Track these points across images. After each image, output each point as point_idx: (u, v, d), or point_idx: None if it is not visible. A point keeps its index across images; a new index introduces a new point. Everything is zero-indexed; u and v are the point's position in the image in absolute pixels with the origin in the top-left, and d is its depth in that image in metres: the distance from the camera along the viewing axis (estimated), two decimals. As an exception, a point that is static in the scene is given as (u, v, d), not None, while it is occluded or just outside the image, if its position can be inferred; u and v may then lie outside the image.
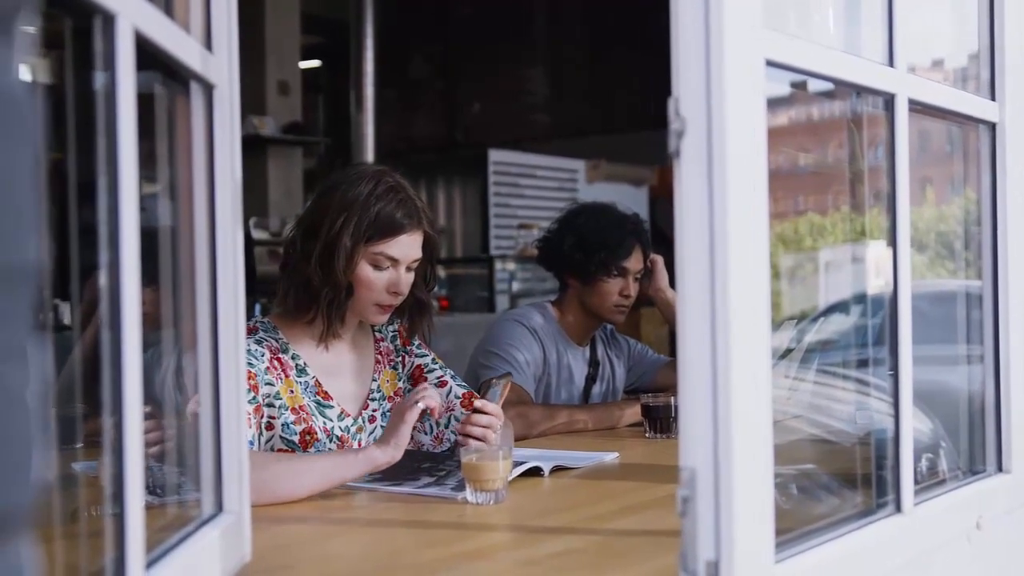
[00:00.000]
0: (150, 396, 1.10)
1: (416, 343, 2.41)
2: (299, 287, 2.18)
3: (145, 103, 1.08)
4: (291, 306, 2.20)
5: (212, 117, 1.35)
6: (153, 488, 1.32)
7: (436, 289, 7.44)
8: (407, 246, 2.18)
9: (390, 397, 2.33)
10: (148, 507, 1.07)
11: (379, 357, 2.35)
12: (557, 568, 1.48)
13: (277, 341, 2.20)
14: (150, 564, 1.09)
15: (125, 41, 1.00)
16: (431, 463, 2.11)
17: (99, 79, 1.02)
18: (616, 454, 2.35)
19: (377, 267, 2.16)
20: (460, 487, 1.90)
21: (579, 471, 2.19)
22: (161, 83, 1.29)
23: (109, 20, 0.99)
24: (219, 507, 1.37)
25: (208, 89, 1.34)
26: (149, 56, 1.11)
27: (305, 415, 2.16)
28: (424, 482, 1.99)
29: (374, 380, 2.32)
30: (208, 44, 1.34)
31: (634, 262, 2.99)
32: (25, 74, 0.59)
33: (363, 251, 2.15)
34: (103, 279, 1.02)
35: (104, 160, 1.00)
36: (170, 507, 1.43)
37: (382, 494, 1.96)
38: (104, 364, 1.02)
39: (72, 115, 1.08)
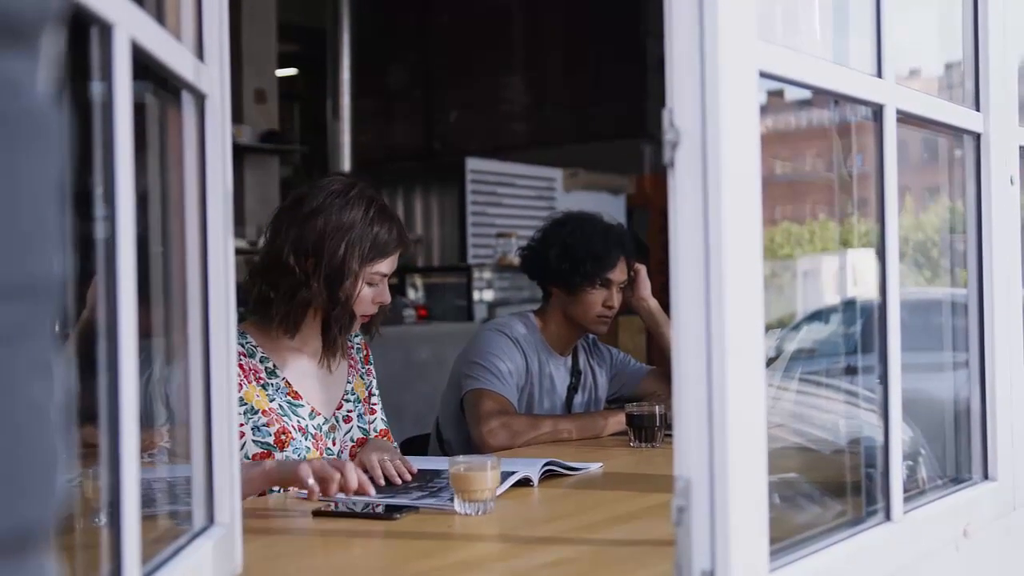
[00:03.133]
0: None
1: (369, 365, 2.50)
2: (300, 307, 2.23)
3: (136, 112, 1.07)
4: (291, 324, 2.24)
5: (204, 127, 1.34)
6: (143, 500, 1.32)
7: (414, 297, 7.38)
8: (395, 261, 2.31)
9: (364, 400, 2.42)
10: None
11: (352, 362, 2.43)
12: (551, 578, 1.48)
13: (243, 346, 2.23)
14: (145, 577, 1.08)
15: (122, 51, 1.00)
16: (420, 480, 2.11)
17: (95, 88, 1.01)
18: (600, 464, 2.35)
19: (370, 284, 2.27)
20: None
21: (566, 482, 2.19)
22: (152, 92, 1.28)
23: (106, 30, 0.98)
24: (211, 519, 1.36)
25: (200, 99, 1.33)
26: (141, 65, 1.10)
27: (276, 416, 2.21)
28: (417, 496, 1.98)
29: (348, 382, 2.39)
30: (200, 54, 1.34)
31: (619, 273, 2.99)
32: (51, 87, 0.59)
33: (364, 273, 2.24)
34: (99, 289, 1.01)
35: (101, 170, 0.99)
36: (160, 519, 1.42)
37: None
38: (98, 375, 1.01)
39: (67, 124, 1.07)
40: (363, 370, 2.46)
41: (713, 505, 1.15)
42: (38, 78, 0.57)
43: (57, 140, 0.58)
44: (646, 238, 7.55)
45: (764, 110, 1.55)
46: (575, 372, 3.12)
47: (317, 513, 1.86)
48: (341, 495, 1.96)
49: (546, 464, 2.17)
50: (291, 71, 9.80)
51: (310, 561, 1.62)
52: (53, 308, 0.58)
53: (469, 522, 1.80)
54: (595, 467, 2.33)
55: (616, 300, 3.00)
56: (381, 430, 2.43)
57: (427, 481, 2.10)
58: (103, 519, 1.08)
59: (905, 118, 1.59)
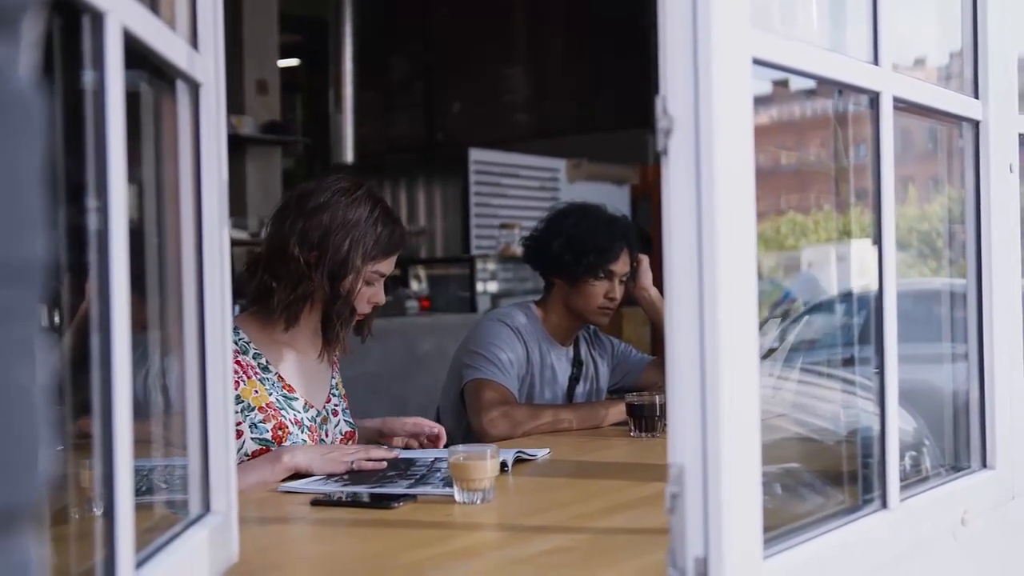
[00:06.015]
0: (134, 397, 1.10)
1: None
2: (301, 300, 2.25)
3: (129, 102, 1.07)
4: (291, 316, 2.25)
5: (198, 116, 1.34)
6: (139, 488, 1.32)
7: (417, 289, 7.37)
8: (393, 262, 2.35)
9: (343, 396, 2.47)
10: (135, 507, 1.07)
11: (334, 359, 2.46)
12: (546, 566, 1.48)
13: (236, 343, 2.25)
14: (139, 564, 1.09)
15: (114, 40, 1.00)
16: (397, 470, 2.11)
17: (87, 77, 1.01)
18: (548, 450, 2.37)
19: (368, 283, 2.30)
20: (448, 483, 1.89)
21: (566, 470, 2.20)
22: (147, 81, 1.28)
23: (98, 18, 0.98)
24: (206, 508, 1.36)
25: (194, 88, 1.34)
26: (135, 54, 1.10)
27: (273, 411, 2.24)
28: (408, 483, 1.98)
29: (333, 377, 2.44)
30: (194, 42, 1.34)
31: (621, 265, 2.99)
32: (31, 73, 0.59)
33: (365, 271, 2.27)
34: (90, 281, 1.01)
35: (93, 160, 0.99)
36: (157, 507, 1.42)
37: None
38: (92, 366, 1.02)
39: (57, 114, 1.07)
40: (339, 369, 2.51)
41: (706, 492, 1.16)
42: (19, 64, 0.57)
43: (38, 126, 0.59)
44: (650, 229, 7.54)
45: (769, 100, 1.55)
46: (577, 362, 3.12)
47: (315, 503, 1.86)
48: (333, 486, 1.98)
49: (516, 457, 2.20)
50: (293, 62, 9.80)
51: (307, 550, 1.63)
52: (37, 292, 0.59)
53: (468, 511, 1.81)
54: (543, 453, 2.36)
55: (618, 292, 3.00)
56: (347, 432, 2.44)
57: (405, 469, 2.11)
58: (101, 508, 1.09)
59: (902, 106, 1.59)
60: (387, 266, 2.32)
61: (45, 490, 0.60)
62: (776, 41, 1.30)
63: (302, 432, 2.26)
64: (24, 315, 0.57)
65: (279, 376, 2.29)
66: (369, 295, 2.31)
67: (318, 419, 2.33)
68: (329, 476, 2.07)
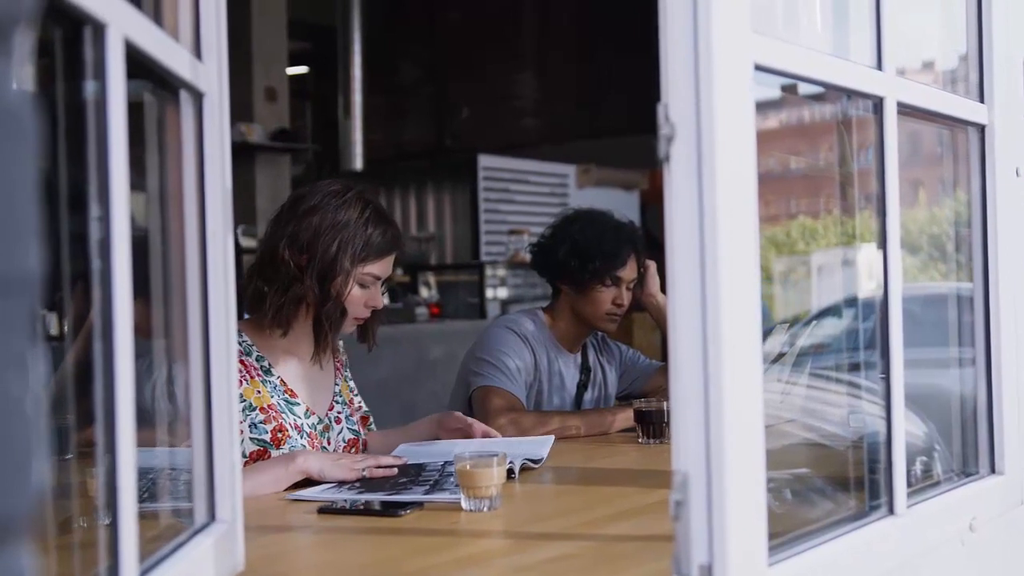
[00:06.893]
0: (141, 407, 1.10)
1: (347, 371, 2.53)
2: (293, 303, 2.26)
3: (134, 111, 1.08)
4: (283, 319, 2.26)
5: (202, 125, 1.35)
6: (144, 496, 1.32)
7: (426, 295, 7.36)
8: (389, 265, 2.34)
9: (348, 403, 2.46)
10: (140, 515, 1.07)
11: (338, 365, 2.47)
12: (552, 573, 1.48)
13: (240, 345, 2.25)
14: (143, 573, 1.09)
15: (115, 50, 1.00)
16: (408, 477, 2.11)
17: (89, 88, 1.02)
18: (551, 438, 2.38)
19: (362, 285, 2.30)
20: (459, 490, 1.89)
21: (574, 477, 2.20)
22: (150, 91, 1.29)
23: (99, 30, 0.98)
24: (212, 516, 1.36)
25: (198, 97, 1.34)
26: (138, 64, 1.11)
27: (275, 413, 2.24)
28: (423, 489, 1.98)
29: (336, 384, 2.44)
30: (197, 52, 1.34)
31: (628, 271, 2.98)
32: (24, 85, 0.59)
33: (355, 272, 2.26)
34: (95, 289, 1.02)
35: (95, 169, 1.00)
36: (162, 516, 1.42)
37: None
38: (96, 375, 1.02)
39: (60, 124, 1.08)
40: (346, 374, 2.51)
41: (710, 499, 1.15)
42: (11, 77, 0.57)
43: (33, 137, 0.59)
44: (660, 234, 7.52)
45: (778, 105, 1.55)
46: (585, 369, 3.12)
47: (321, 511, 1.86)
48: (345, 494, 1.97)
49: (523, 464, 2.19)
50: (302, 69, 9.80)
51: (313, 558, 1.63)
52: (32, 303, 0.59)
53: (475, 518, 1.80)
54: (547, 443, 2.37)
55: (625, 298, 2.99)
56: (350, 439, 2.44)
57: (416, 475, 2.11)
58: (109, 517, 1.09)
59: (907, 111, 1.58)
60: (380, 268, 2.31)
61: (40, 501, 0.60)
62: (778, 46, 1.30)
63: (301, 437, 2.26)
64: (15, 326, 0.57)
65: (281, 380, 2.29)
66: (365, 298, 2.30)
67: (319, 426, 2.33)
68: (341, 483, 2.07)
